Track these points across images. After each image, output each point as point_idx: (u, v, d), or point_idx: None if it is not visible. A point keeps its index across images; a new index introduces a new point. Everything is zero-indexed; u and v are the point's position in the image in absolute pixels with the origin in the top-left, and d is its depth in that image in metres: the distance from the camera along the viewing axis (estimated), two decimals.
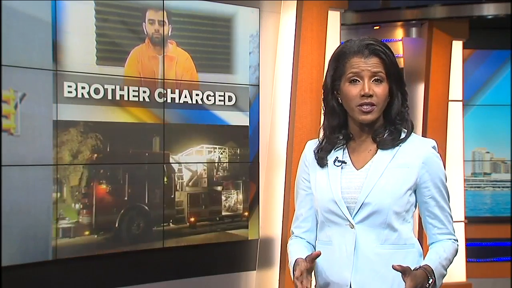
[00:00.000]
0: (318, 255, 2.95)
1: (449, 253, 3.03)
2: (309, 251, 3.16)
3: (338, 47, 3.15)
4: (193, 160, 7.22)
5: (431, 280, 2.90)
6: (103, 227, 6.70)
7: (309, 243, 3.22)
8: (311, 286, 2.94)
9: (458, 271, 9.44)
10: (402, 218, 3.01)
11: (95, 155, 6.59)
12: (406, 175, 3.00)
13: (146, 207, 7.00)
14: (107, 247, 6.75)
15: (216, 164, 7.39)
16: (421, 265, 2.93)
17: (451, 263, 3.05)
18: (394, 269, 2.80)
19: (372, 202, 2.97)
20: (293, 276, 3.02)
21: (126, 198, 6.91)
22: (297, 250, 3.16)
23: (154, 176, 6.96)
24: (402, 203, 2.99)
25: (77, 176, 6.63)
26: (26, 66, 6.11)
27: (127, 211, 6.89)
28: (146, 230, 6.91)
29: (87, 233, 6.65)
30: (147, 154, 7.02)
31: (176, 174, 7.11)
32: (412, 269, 2.84)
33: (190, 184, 7.19)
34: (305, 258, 2.97)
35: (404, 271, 2.80)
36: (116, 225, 6.80)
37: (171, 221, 7.06)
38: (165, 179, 7.02)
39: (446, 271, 3.01)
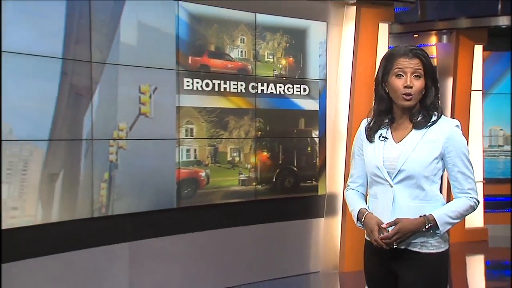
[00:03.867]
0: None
1: (458, 207, 2.99)
2: (362, 199, 3.22)
3: (388, 50, 3.16)
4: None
5: (428, 225, 2.93)
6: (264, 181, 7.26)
7: (362, 194, 3.24)
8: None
9: (477, 219, 9.43)
10: (431, 180, 3.00)
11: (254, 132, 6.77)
12: (433, 148, 2.98)
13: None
14: (265, 195, 7.25)
15: (292, 139, 7.50)
16: (426, 214, 2.95)
17: (462, 214, 3.01)
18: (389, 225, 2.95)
19: (406, 169, 2.98)
20: (356, 218, 3.15)
21: (280, 162, 7.34)
22: (356, 200, 3.22)
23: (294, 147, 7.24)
24: (430, 169, 2.98)
25: (248, 146, 7.04)
26: (157, 67, 6.27)
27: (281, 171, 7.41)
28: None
29: (254, 183, 7.16)
30: (295, 130, 7.50)
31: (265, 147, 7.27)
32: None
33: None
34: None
35: (395, 222, 2.94)
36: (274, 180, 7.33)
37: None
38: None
39: (455, 219, 2.98)
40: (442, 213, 2.97)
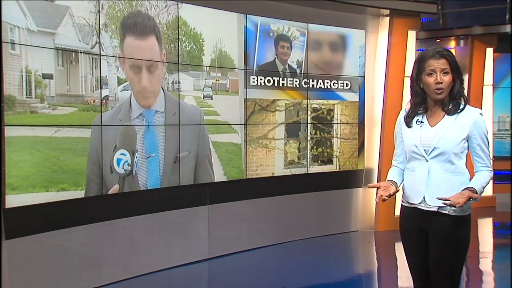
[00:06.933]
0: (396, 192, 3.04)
1: (486, 178, 2.97)
2: (400, 175, 3.18)
3: (420, 53, 3.08)
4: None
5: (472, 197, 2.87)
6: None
7: (401, 169, 3.19)
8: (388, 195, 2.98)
9: (487, 189, 9.08)
10: (459, 156, 2.98)
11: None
12: (462, 131, 2.97)
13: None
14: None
15: (339, 124, 7.37)
16: (468, 186, 2.90)
17: (487, 183, 2.98)
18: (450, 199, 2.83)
19: (440, 147, 2.96)
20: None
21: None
22: (392, 174, 3.19)
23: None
24: (458, 147, 2.96)
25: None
26: (234, 68, 6.33)
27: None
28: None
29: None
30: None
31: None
32: (462, 189, 2.88)
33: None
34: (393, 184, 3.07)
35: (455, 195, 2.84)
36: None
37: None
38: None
39: (484, 188, 2.95)
40: (479, 185, 2.94)
